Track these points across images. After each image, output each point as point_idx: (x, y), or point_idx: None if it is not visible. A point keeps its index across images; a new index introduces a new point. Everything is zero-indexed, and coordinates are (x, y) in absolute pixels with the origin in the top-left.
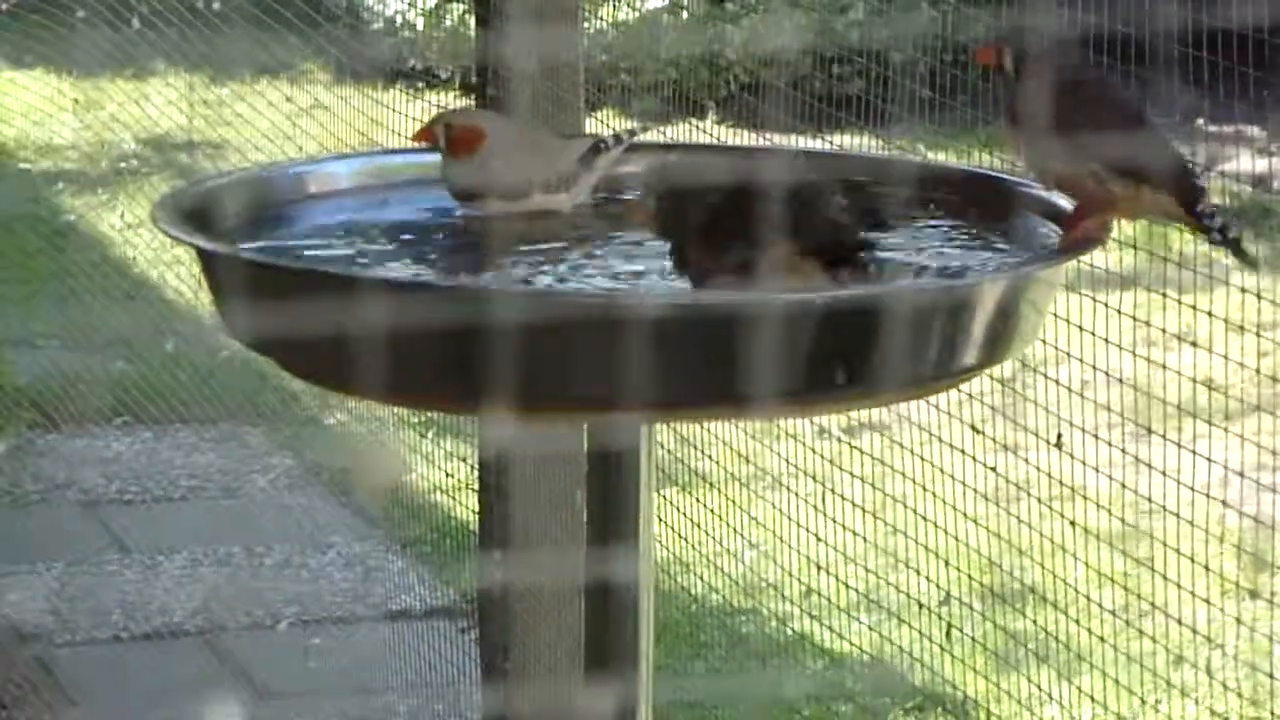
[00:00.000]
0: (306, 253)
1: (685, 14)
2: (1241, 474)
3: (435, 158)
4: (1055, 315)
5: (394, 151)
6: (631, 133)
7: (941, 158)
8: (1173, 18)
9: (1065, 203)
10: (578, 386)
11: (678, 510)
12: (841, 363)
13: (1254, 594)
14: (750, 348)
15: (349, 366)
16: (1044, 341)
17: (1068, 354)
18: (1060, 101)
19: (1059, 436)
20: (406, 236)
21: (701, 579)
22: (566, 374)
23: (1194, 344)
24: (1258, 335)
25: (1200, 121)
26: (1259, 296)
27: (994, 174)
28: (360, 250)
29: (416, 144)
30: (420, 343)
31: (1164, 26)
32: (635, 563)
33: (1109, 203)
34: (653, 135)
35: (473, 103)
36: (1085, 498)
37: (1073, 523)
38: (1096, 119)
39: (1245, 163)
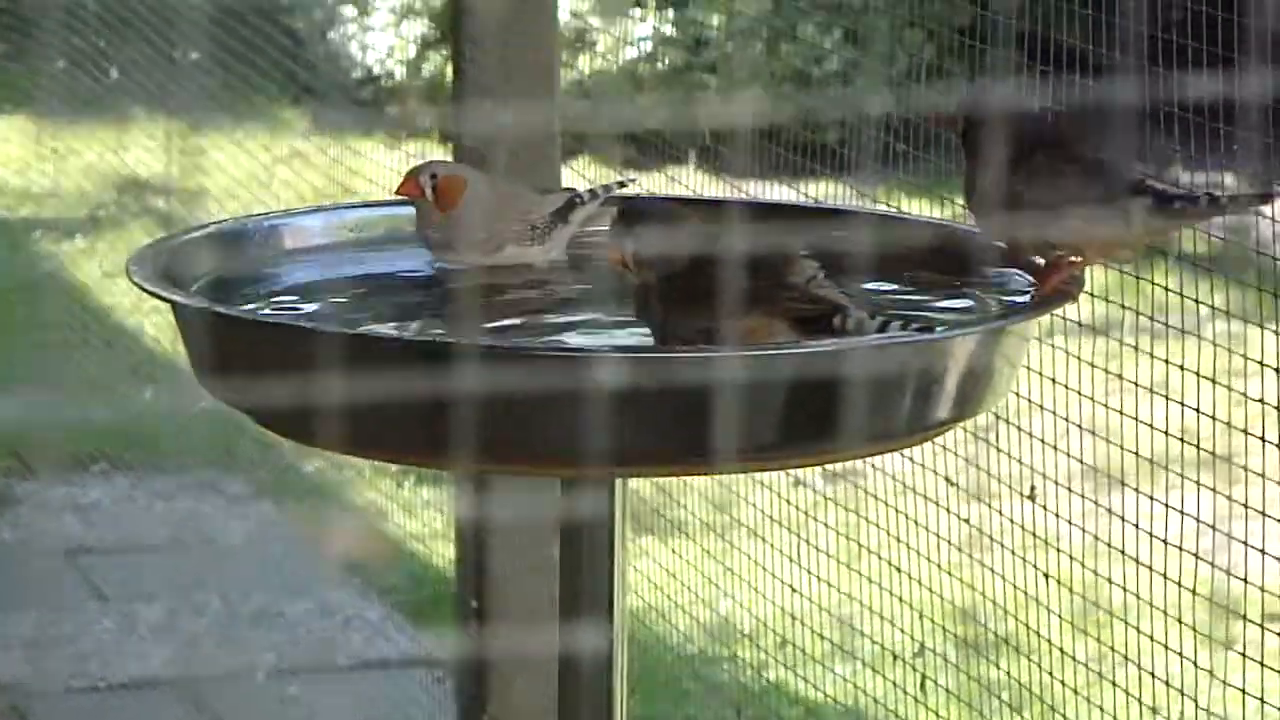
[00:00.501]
0: (281, 307)
1: (662, 64)
2: (1214, 526)
3: (410, 210)
4: (1028, 368)
5: (370, 204)
6: (608, 188)
7: (916, 209)
8: (1140, 86)
9: (1037, 257)
10: (545, 442)
11: (653, 560)
12: (813, 417)
13: (1226, 645)
14: (719, 403)
15: (318, 421)
16: (1017, 394)
17: (1040, 406)
18: (1010, 175)
19: (1032, 489)
20: (380, 290)
21: (677, 628)
22: (533, 429)
23: (1166, 397)
24: (1229, 389)
25: (1172, 172)
26: (1230, 350)
27: (967, 227)
28: (333, 304)
29: (402, 195)
30: (388, 397)
31: (1134, 86)
32: (608, 617)
33: (1077, 254)
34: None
35: (450, 153)
36: (1059, 550)
37: (1046, 575)
38: (1045, 190)
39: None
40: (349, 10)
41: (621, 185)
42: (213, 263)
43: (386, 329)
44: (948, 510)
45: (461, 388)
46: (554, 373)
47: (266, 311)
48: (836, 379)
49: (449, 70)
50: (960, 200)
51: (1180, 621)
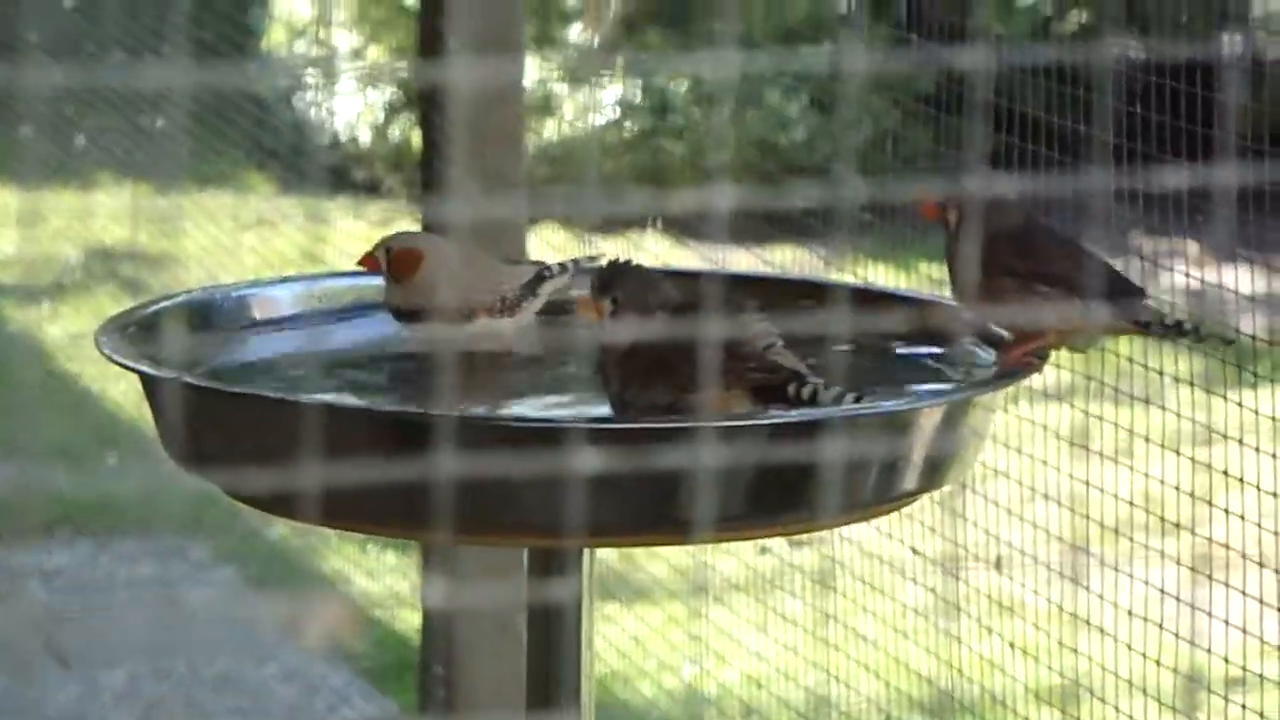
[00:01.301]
0: (250, 378)
1: (629, 129)
2: (1178, 597)
3: (380, 280)
4: (993, 437)
5: (337, 274)
6: (576, 262)
7: (881, 276)
8: (1107, 160)
9: (1003, 331)
10: (518, 513)
11: (618, 626)
12: (780, 489)
13: (1189, 715)
14: (686, 474)
15: (288, 493)
16: (982, 463)
17: (1005, 475)
18: (995, 263)
19: (998, 558)
20: (349, 362)
21: (642, 694)
22: (507, 501)
23: (1130, 466)
24: (1192, 460)
25: (1134, 238)
26: (1192, 420)
27: (932, 298)
28: (303, 376)
29: (361, 268)
30: (359, 469)
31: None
32: (576, 690)
33: (1048, 337)
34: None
35: (419, 217)
36: (1023, 619)
37: (1011, 644)
38: (1031, 281)
39: (1180, 280)
40: (314, 77)
41: (591, 260)
42: (181, 333)
43: (357, 401)
44: (914, 580)
45: (433, 460)
46: (528, 445)
47: (236, 382)
48: (805, 451)
49: (415, 135)
50: (925, 268)
51: (1144, 691)
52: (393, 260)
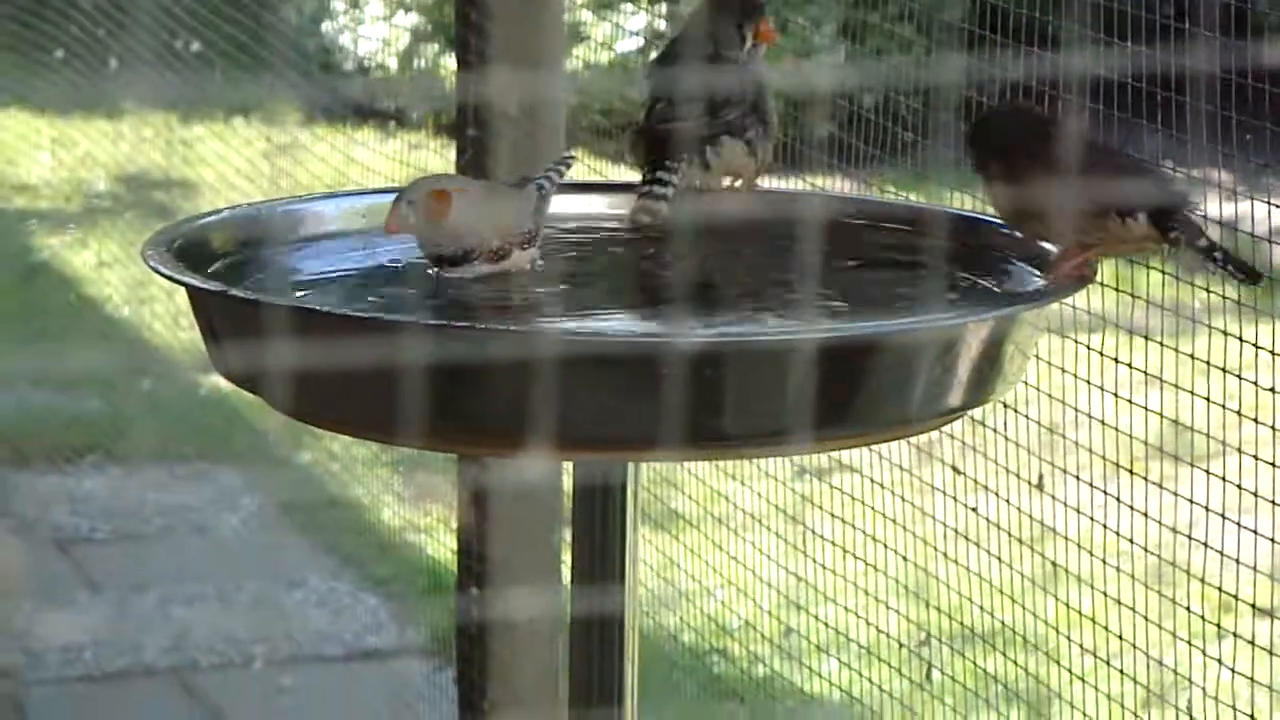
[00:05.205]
0: (303, 292)
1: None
2: (1224, 515)
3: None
4: (1036, 356)
5: (384, 191)
6: (559, 170)
7: (915, 198)
8: (1152, 63)
9: (1049, 245)
10: (573, 426)
11: (654, 547)
12: (827, 401)
13: (1233, 634)
14: (734, 386)
15: (348, 406)
16: (1026, 383)
17: (1049, 395)
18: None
19: (1040, 478)
20: (399, 276)
21: (678, 616)
22: (560, 413)
23: (1176, 385)
24: (1239, 377)
25: (1169, 163)
26: (1241, 339)
27: (977, 216)
28: (353, 289)
29: (391, 234)
30: (416, 383)
31: (1141, 70)
32: (621, 601)
33: (1092, 243)
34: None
35: (451, 145)
36: (1067, 539)
37: (1054, 563)
38: (1081, 164)
39: (1213, 207)
40: (341, 3)
41: (566, 164)
42: (230, 247)
43: (407, 313)
44: (955, 499)
45: (492, 373)
46: (583, 357)
47: (290, 296)
48: (854, 362)
49: (442, 62)
50: (961, 190)
51: (1189, 609)
52: (419, 207)
